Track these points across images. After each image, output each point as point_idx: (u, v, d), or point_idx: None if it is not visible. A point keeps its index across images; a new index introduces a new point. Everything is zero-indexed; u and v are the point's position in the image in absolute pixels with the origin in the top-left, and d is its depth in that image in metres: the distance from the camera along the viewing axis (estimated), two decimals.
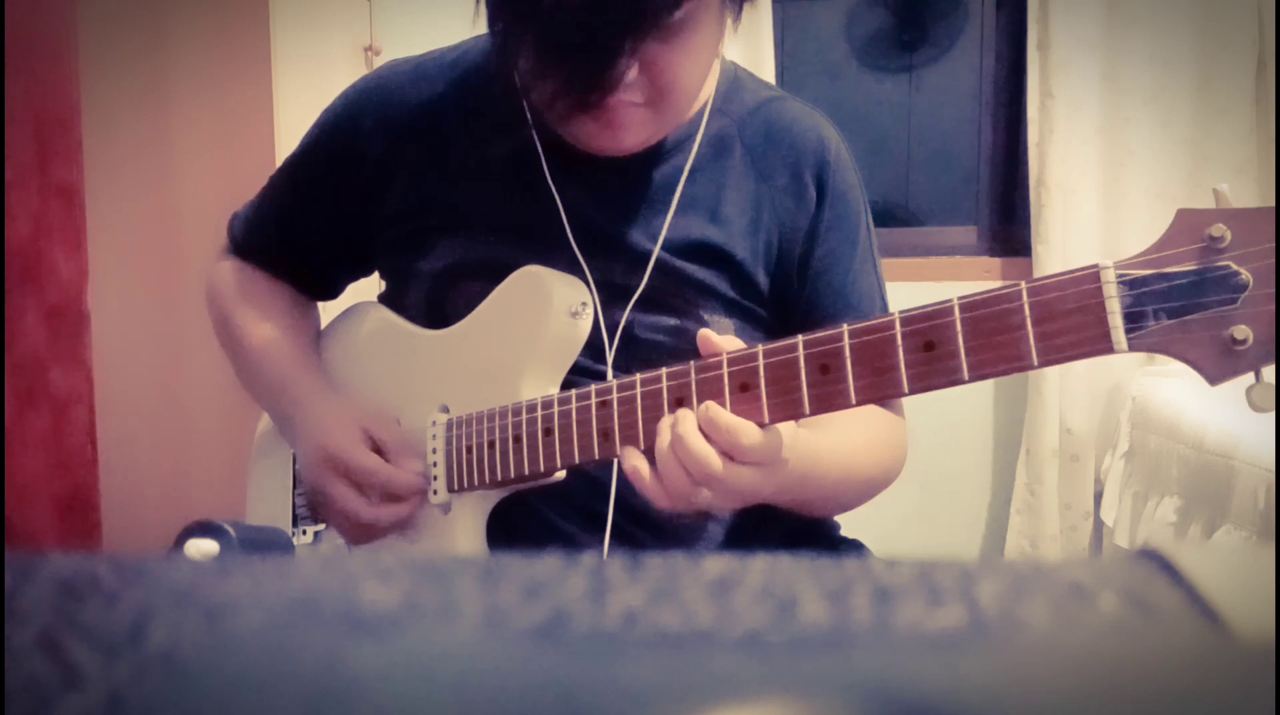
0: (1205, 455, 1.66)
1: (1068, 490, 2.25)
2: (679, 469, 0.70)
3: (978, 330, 0.63)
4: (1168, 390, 1.92)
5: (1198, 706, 0.16)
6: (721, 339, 0.73)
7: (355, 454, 0.88)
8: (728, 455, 0.70)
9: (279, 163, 1.05)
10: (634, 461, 0.73)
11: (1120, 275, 0.59)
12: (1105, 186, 2.20)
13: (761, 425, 0.71)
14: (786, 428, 0.72)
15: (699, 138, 0.90)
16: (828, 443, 0.81)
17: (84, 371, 1.58)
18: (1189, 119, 2.15)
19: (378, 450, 0.90)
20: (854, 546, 0.99)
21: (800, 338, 0.69)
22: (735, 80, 0.95)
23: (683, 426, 0.70)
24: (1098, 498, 2.21)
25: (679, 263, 0.88)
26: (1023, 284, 0.62)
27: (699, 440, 0.69)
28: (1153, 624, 0.20)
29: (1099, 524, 2.21)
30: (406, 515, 0.89)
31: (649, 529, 0.89)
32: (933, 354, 0.64)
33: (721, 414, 0.69)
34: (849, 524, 0.99)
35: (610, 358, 0.87)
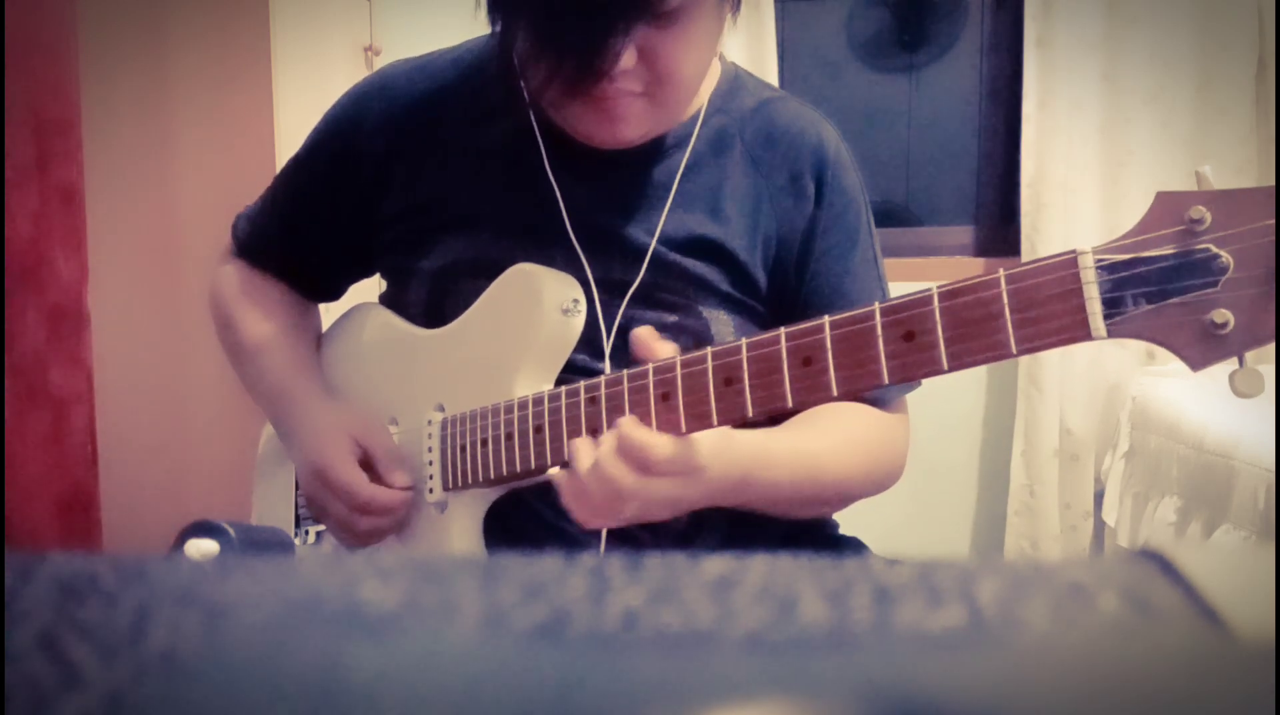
0: (1205, 455, 1.66)
1: (1067, 490, 2.25)
2: (598, 487, 0.73)
3: (956, 319, 0.62)
4: (1168, 390, 1.92)
5: (1198, 706, 0.16)
6: (659, 344, 0.75)
7: (341, 471, 0.88)
8: (643, 470, 0.71)
9: (279, 163, 1.05)
10: (554, 474, 0.76)
11: (1098, 261, 0.58)
12: (1105, 186, 2.20)
13: (681, 434, 0.72)
14: (710, 435, 0.74)
15: (695, 134, 0.90)
16: (785, 444, 0.81)
17: (84, 371, 1.58)
18: (1189, 119, 2.15)
19: (368, 460, 0.90)
20: (854, 546, 0.99)
21: (783, 330, 0.69)
22: (736, 80, 0.95)
23: (602, 448, 0.73)
24: (1098, 498, 2.21)
25: (677, 257, 0.88)
26: (1001, 272, 0.61)
27: (611, 461, 0.72)
28: (1153, 624, 0.20)
29: (1099, 524, 2.21)
30: (398, 523, 0.90)
31: (649, 528, 0.89)
32: (912, 344, 0.64)
33: (633, 432, 0.71)
34: (849, 524, 0.99)
35: (608, 352, 0.87)
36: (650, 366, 0.74)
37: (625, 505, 0.73)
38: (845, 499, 0.91)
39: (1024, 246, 2.24)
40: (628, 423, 0.72)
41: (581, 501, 0.74)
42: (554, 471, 0.76)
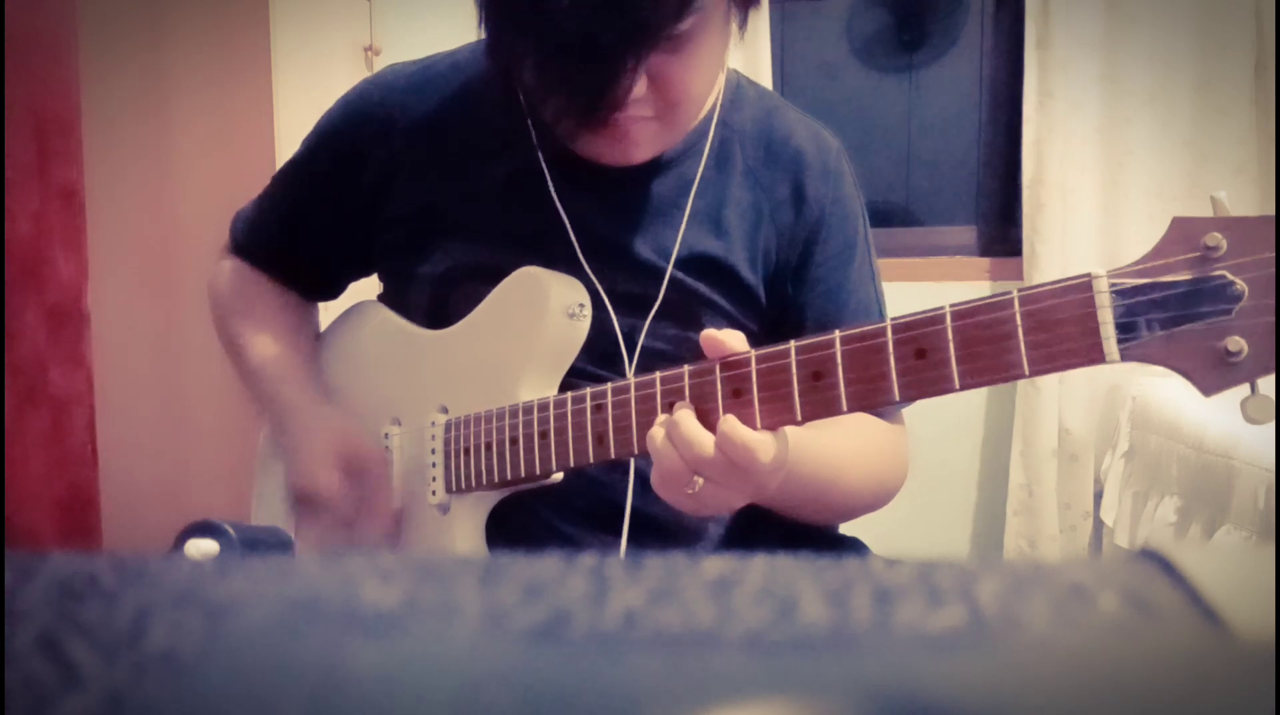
0: (1205, 455, 1.66)
1: (1067, 490, 2.25)
2: (673, 454, 0.70)
3: (969, 339, 0.62)
4: (1168, 390, 1.92)
5: (1198, 706, 0.16)
6: (726, 336, 0.71)
7: (320, 481, 0.88)
8: (743, 469, 0.69)
9: (279, 163, 1.05)
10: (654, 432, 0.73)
11: (1113, 284, 0.58)
12: (1105, 186, 2.20)
13: (770, 429, 0.70)
14: (790, 429, 0.72)
15: (707, 147, 0.90)
16: (816, 444, 0.80)
17: (84, 371, 1.58)
18: (1189, 119, 2.15)
19: (355, 470, 0.90)
20: (854, 546, 0.99)
21: (793, 343, 0.69)
22: (738, 90, 0.94)
23: (679, 414, 0.70)
24: (1097, 498, 2.21)
25: (682, 275, 0.88)
26: (1015, 292, 0.61)
27: (692, 425, 0.69)
28: (1153, 624, 0.20)
29: (1099, 524, 2.21)
30: (387, 534, 0.90)
31: (651, 530, 0.89)
32: (924, 362, 0.64)
33: (738, 430, 0.68)
34: (849, 523, 0.99)
35: (631, 371, 0.87)
36: (658, 376, 0.74)
37: (699, 477, 0.70)
38: (859, 508, 0.90)
39: (1024, 247, 2.24)
40: (732, 421, 0.69)
41: (657, 471, 0.72)
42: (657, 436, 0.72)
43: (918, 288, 2.17)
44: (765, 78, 2.25)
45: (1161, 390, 1.95)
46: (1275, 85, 2.04)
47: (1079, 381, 2.22)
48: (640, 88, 0.76)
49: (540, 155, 0.89)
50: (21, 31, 1.47)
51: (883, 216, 2.49)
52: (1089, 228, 2.20)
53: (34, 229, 1.51)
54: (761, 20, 2.26)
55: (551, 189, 0.88)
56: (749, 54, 2.25)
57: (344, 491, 0.88)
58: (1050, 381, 2.21)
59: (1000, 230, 2.43)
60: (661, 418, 0.73)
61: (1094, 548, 2.25)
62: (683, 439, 0.69)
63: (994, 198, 2.46)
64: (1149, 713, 0.16)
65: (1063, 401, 2.22)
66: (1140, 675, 0.18)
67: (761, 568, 0.22)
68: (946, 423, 2.29)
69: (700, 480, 0.70)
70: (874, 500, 0.90)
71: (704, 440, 0.69)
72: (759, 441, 0.68)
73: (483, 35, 0.81)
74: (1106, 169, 2.20)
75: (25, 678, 0.18)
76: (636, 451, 0.75)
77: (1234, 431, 1.60)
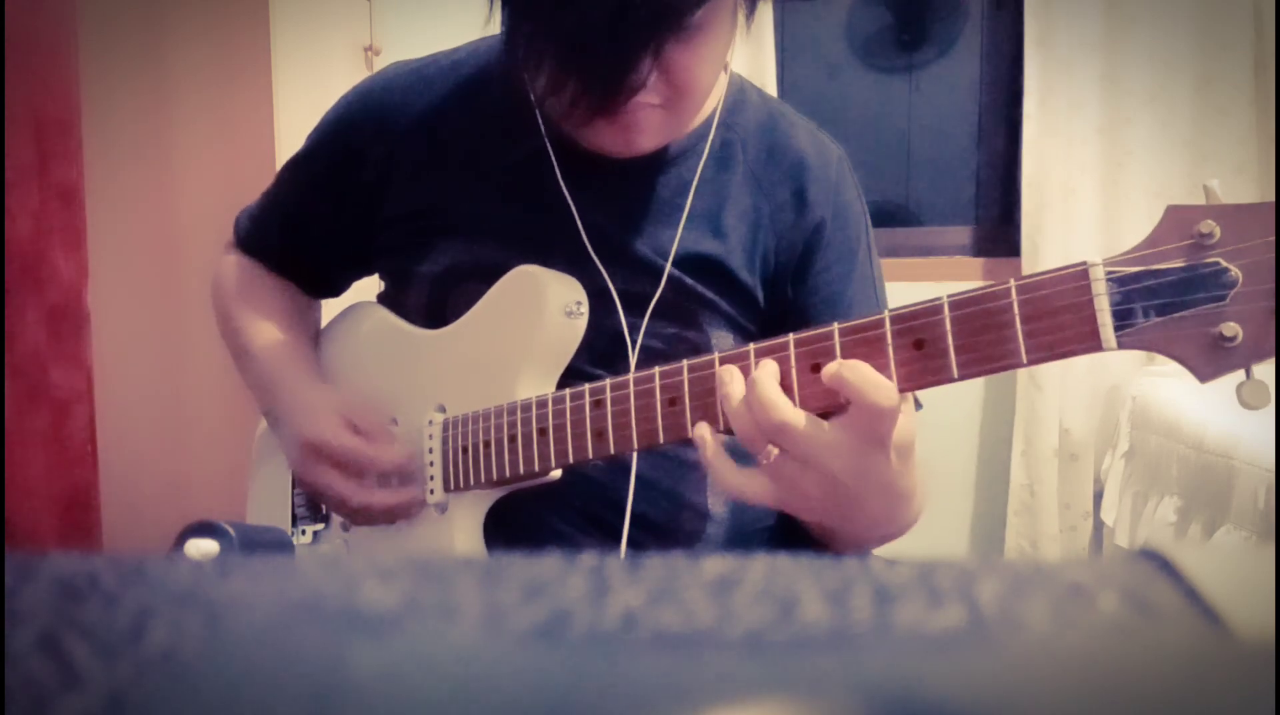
0: (1205, 455, 1.66)
1: (1067, 490, 2.25)
2: (749, 418, 0.66)
3: (967, 328, 0.62)
4: (1168, 390, 1.92)
5: (1198, 706, 0.16)
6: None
7: (337, 436, 0.88)
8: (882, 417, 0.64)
9: (279, 163, 1.05)
10: (701, 431, 0.69)
11: (1109, 272, 0.59)
12: (1105, 186, 2.20)
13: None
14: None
15: (707, 147, 0.90)
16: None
17: (84, 371, 1.58)
18: (1188, 119, 2.15)
19: (364, 432, 0.90)
20: None
21: (791, 336, 0.69)
22: (741, 92, 0.95)
23: (758, 372, 0.67)
24: (1097, 498, 2.21)
25: (681, 273, 0.88)
26: (1012, 282, 0.61)
27: (772, 386, 0.66)
28: (1153, 624, 0.20)
29: (1099, 524, 2.21)
30: (401, 501, 0.89)
31: (651, 531, 0.89)
32: (923, 352, 0.64)
33: (861, 368, 0.64)
34: None
35: (633, 366, 0.86)
36: (657, 371, 0.74)
37: (775, 447, 0.65)
38: (904, 521, 0.84)
39: (1024, 247, 2.24)
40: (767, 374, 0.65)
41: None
42: (700, 424, 0.69)
43: (917, 288, 2.16)
44: (769, 77, 2.25)
45: (1161, 390, 1.95)
46: (1275, 85, 2.04)
47: (1079, 381, 2.22)
48: (651, 76, 0.76)
49: (550, 152, 0.89)
50: (21, 31, 1.47)
51: (882, 216, 2.49)
52: (1089, 228, 2.20)
53: (34, 229, 1.51)
54: (765, 20, 2.26)
55: (561, 184, 0.89)
56: (752, 54, 2.25)
57: (358, 442, 0.88)
58: (1051, 381, 2.21)
59: (999, 230, 2.43)
60: (729, 373, 0.68)
61: (1094, 548, 2.25)
62: (759, 401, 0.65)
63: (993, 198, 2.46)
64: (1149, 713, 0.16)
65: (1063, 401, 2.22)
66: (1140, 675, 0.18)
67: (761, 568, 0.22)
68: (947, 423, 2.29)
69: (774, 450, 0.65)
70: (915, 518, 0.84)
71: (784, 403, 0.65)
72: (885, 382, 0.63)
73: (490, 28, 0.81)
74: (1106, 169, 2.20)
75: (25, 678, 0.18)
76: (636, 447, 0.76)
77: (1234, 431, 1.60)
